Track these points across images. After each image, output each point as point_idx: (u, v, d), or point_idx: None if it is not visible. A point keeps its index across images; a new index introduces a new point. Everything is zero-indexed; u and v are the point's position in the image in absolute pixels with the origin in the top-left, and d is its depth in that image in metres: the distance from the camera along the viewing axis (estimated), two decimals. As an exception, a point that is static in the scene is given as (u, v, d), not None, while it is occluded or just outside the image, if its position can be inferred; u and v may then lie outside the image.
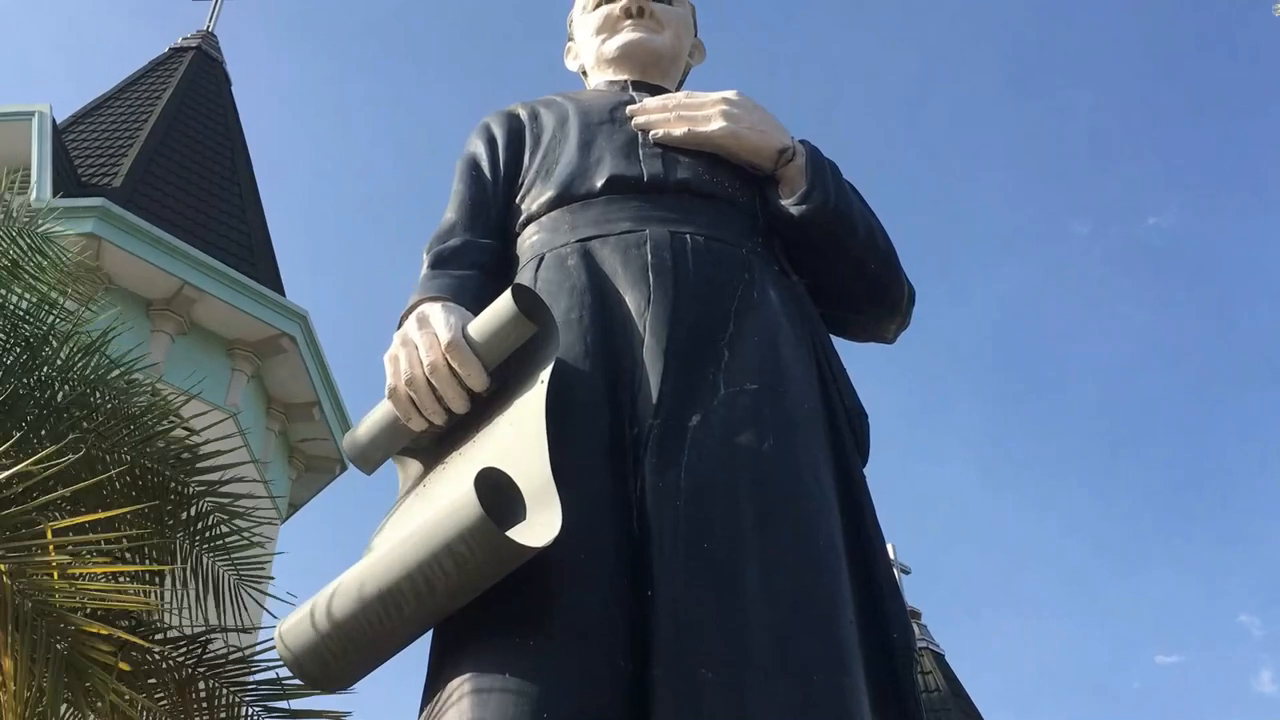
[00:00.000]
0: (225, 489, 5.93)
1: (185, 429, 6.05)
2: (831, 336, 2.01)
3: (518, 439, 1.55)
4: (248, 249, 13.27)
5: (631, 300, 1.79)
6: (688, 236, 1.87)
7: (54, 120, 11.96)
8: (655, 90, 2.29)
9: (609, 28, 2.37)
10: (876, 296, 2.06)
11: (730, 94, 2.09)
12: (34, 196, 10.78)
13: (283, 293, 13.25)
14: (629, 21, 2.36)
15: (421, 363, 1.67)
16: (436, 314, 1.73)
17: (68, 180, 11.75)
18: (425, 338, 1.69)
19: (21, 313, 5.57)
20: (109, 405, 5.49)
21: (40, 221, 6.23)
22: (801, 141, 2.08)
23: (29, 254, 5.81)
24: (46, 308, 5.72)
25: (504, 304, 1.64)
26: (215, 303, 11.55)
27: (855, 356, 2.21)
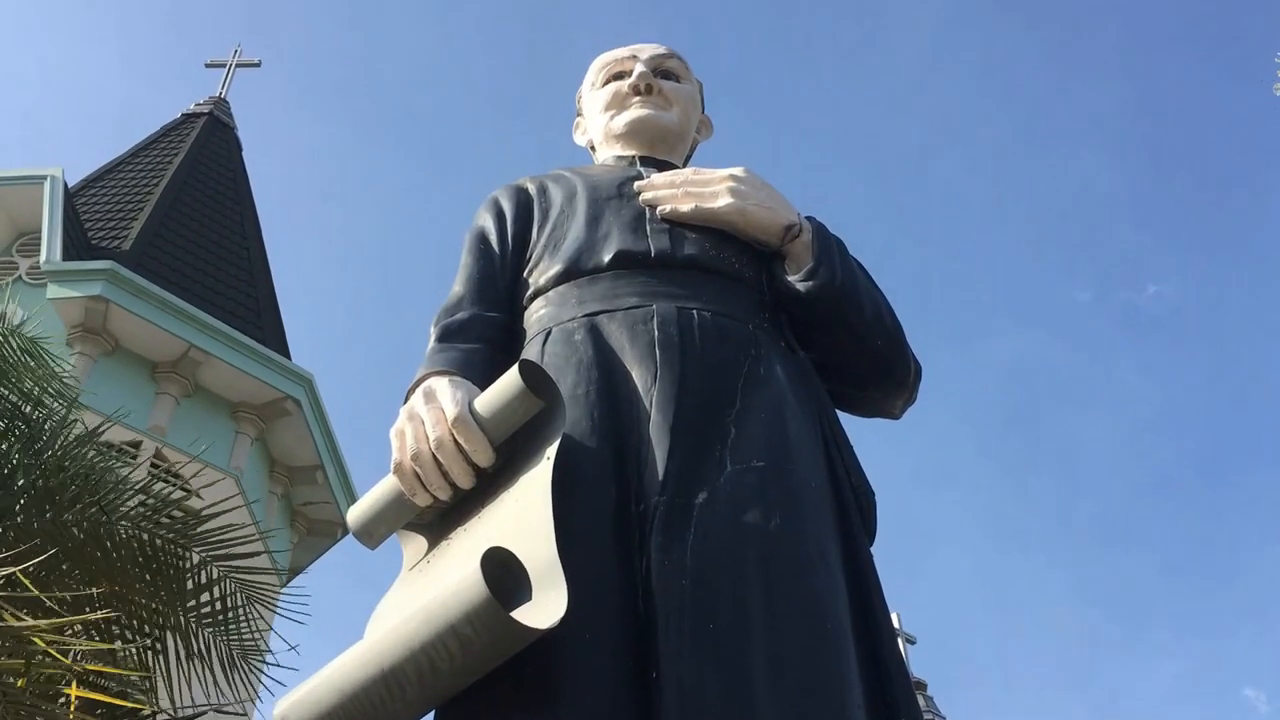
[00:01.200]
0: (230, 553, 5.88)
1: (185, 489, 6.03)
2: (838, 412, 2.01)
3: (523, 517, 1.54)
4: (254, 312, 13.35)
5: (638, 376, 1.79)
6: (694, 312, 1.88)
7: (66, 184, 12.08)
8: (663, 166, 2.31)
9: (618, 104, 2.40)
10: (883, 373, 2.06)
11: (737, 170, 2.11)
12: (43, 259, 10.87)
13: (288, 355, 13.29)
14: (638, 98, 2.39)
15: (428, 438, 1.67)
16: (443, 388, 1.73)
17: (78, 243, 11.85)
18: (432, 413, 1.69)
19: (12, 407, 5.59)
20: (96, 480, 5.46)
21: (30, 320, 6.30)
22: (808, 218, 2.10)
23: (19, 355, 5.87)
24: (33, 405, 5.75)
25: (511, 380, 1.65)
26: (221, 365, 11.58)
27: (863, 421, 2.21)
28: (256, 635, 5.99)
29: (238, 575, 5.93)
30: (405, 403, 1.79)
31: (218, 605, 5.78)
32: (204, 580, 5.78)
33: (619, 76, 2.45)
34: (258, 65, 18.09)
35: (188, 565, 5.67)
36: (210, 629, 5.74)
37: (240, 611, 5.86)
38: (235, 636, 5.85)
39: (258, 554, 6.06)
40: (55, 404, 5.89)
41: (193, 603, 5.66)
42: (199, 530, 5.87)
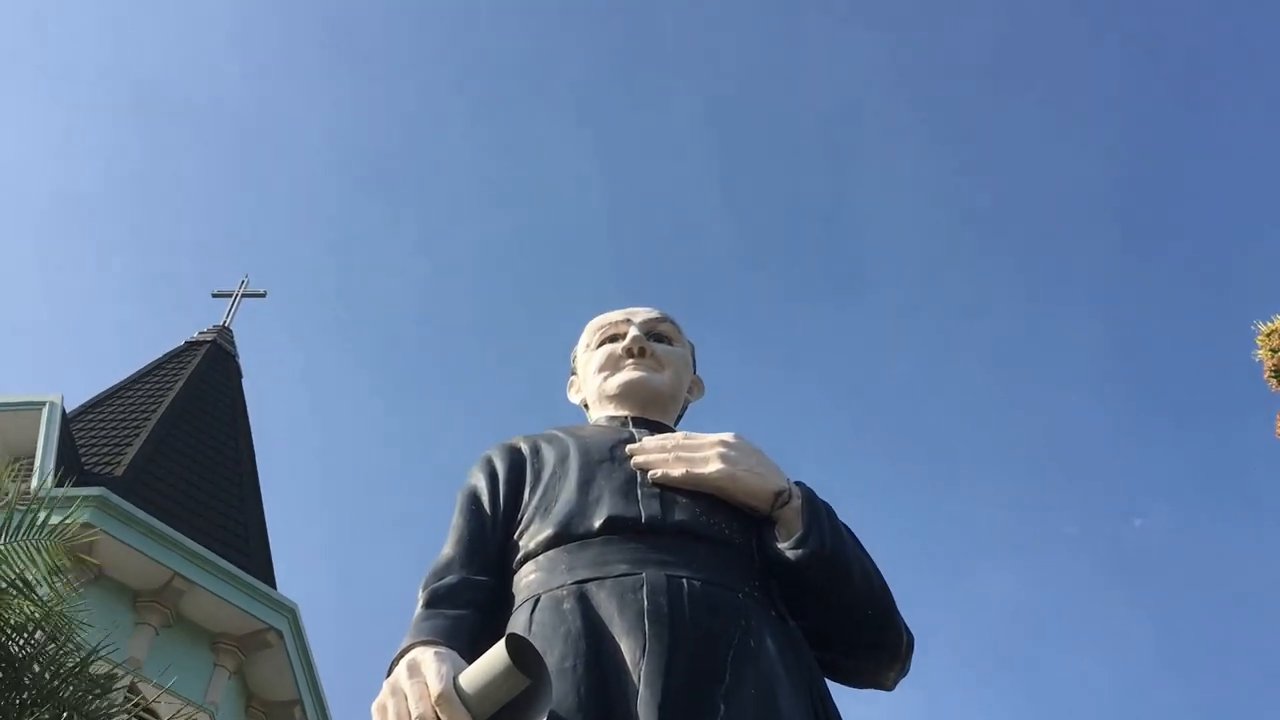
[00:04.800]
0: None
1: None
2: (830, 683, 1.97)
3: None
4: (242, 539, 13.23)
5: (627, 648, 1.76)
6: (684, 581, 1.87)
7: (64, 410, 12.20)
8: (655, 427, 2.35)
9: (611, 365, 2.47)
10: (874, 644, 2.03)
11: (728, 436, 2.15)
12: (34, 485, 10.84)
13: (274, 584, 13.08)
14: (630, 360, 2.46)
15: (410, 714, 1.63)
16: (428, 662, 1.70)
17: (72, 469, 11.85)
18: (415, 688, 1.66)
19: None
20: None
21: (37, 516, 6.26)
22: (797, 483, 2.12)
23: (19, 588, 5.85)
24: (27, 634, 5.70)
25: (497, 656, 1.62)
26: (203, 594, 11.39)
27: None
28: None
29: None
30: (389, 674, 1.76)
31: None
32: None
33: (613, 339, 2.53)
34: (263, 296, 18.57)
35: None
36: None
37: None
38: None
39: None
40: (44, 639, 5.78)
41: None
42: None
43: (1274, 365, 8.33)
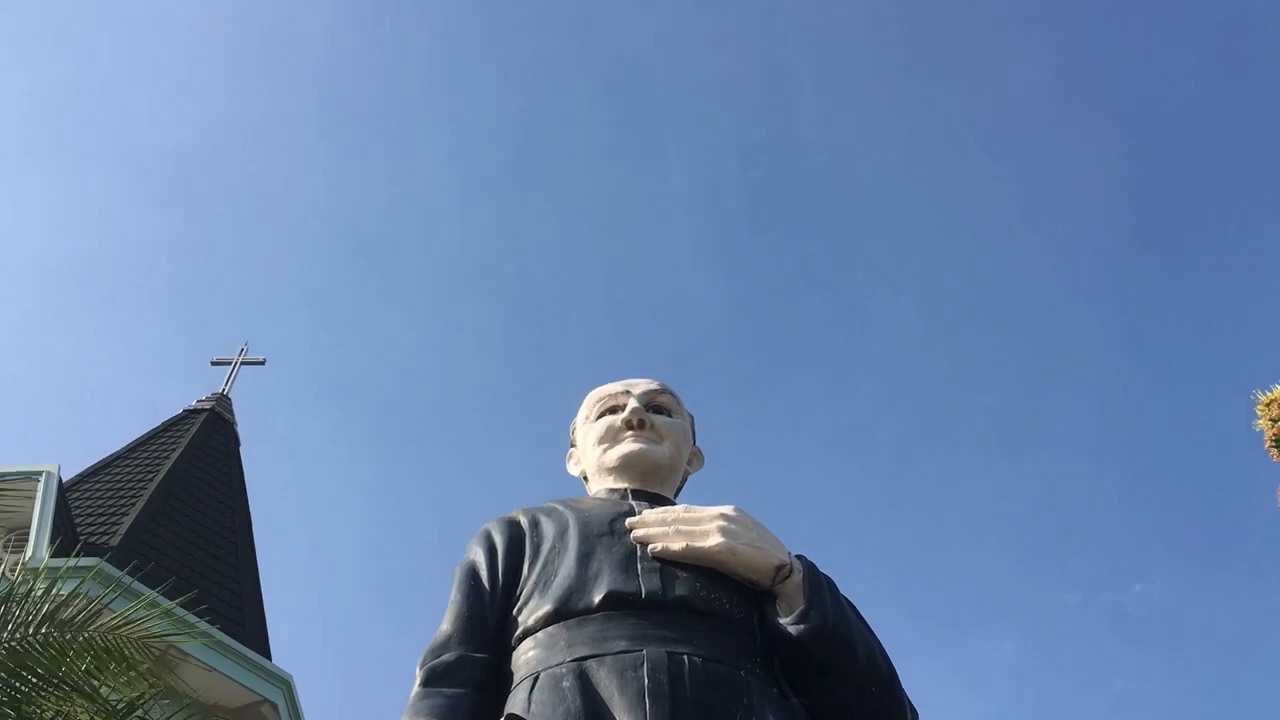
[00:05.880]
0: None
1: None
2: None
3: None
4: (238, 609, 13.10)
5: None
6: (685, 658, 1.85)
7: (60, 480, 12.14)
8: (655, 499, 2.34)
9: (611, 438, 2.46)
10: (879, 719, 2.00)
11: (728, 509, 2.13)
12: (28, 556, 10.76)
13: (269, 654, 12.92)
14: (630, 433, 2.45)
15: None
16: (425, 744, 1.68)
17: (67, 539, 11.76)
18: (414, 769, 1.64)
19: None
20: None
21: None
22: (798, 557, 2.10)
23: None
24: None
25: None
26: (198, 665, 11.22)
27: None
28: None
29: None
30: None
31: None
32: None
33: (613, 411, 2.52)
34: (262, 363, 18.59)
35: None
36: None
37: None
38: None
39: None
40: None
41: None
42: None
43: (1274, 435, 8.32)
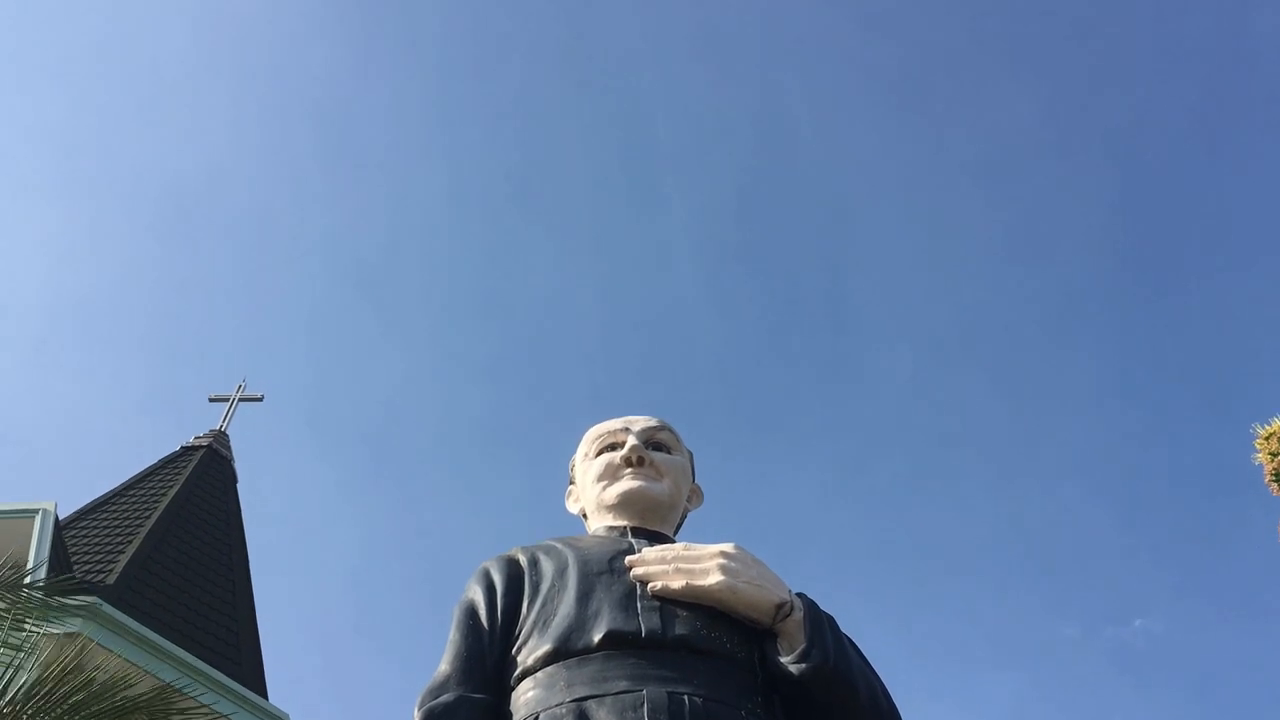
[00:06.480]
0: None
1: None
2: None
3: None
4: (234, 648, 13.00)
5: None
6: (686, 698, 1.84)
7: (57, 517, 12.09)
8: (655, 537, 2.33)
9: (610, 475, 2.46)
10: None
11: (728, 547, 2.12)
12: (25, 594, 10.70)
13: (265, 694, 12.82)
14: (629, 470, 2.45)
15: None
16: (425, 785, 1.66)
17: (64, 577, 11.70)
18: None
19: None
20: None
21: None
22: (798, 594, 2.10)
23: None
24: None
25: None
26: (193, 704, 11.13)
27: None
28: None
29: None
30: None
31: None
32: None
33: (611, 448, 2.52)
34: (260, 400, 18.57)
35: None
36: None
37: None
38: None
39: None
40: None
41: None
42: None
43: (1274, 469, 8.31)
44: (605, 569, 2.14)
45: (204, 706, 11.01)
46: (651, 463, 2.46)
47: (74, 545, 13.17)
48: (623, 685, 1.86)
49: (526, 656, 2.00)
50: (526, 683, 1.96)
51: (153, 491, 14.95)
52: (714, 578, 2.03)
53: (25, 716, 5.79)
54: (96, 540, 13.60)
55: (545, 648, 1.98)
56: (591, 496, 2.47)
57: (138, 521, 14.02)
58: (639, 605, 2.03)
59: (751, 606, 2.02)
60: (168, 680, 10.91)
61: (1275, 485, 8.41)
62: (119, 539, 13.58)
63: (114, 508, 14.57)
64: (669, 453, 2.53)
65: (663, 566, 2.09)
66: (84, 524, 14.02)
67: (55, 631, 10.43)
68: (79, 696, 6.77)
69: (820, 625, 2.02)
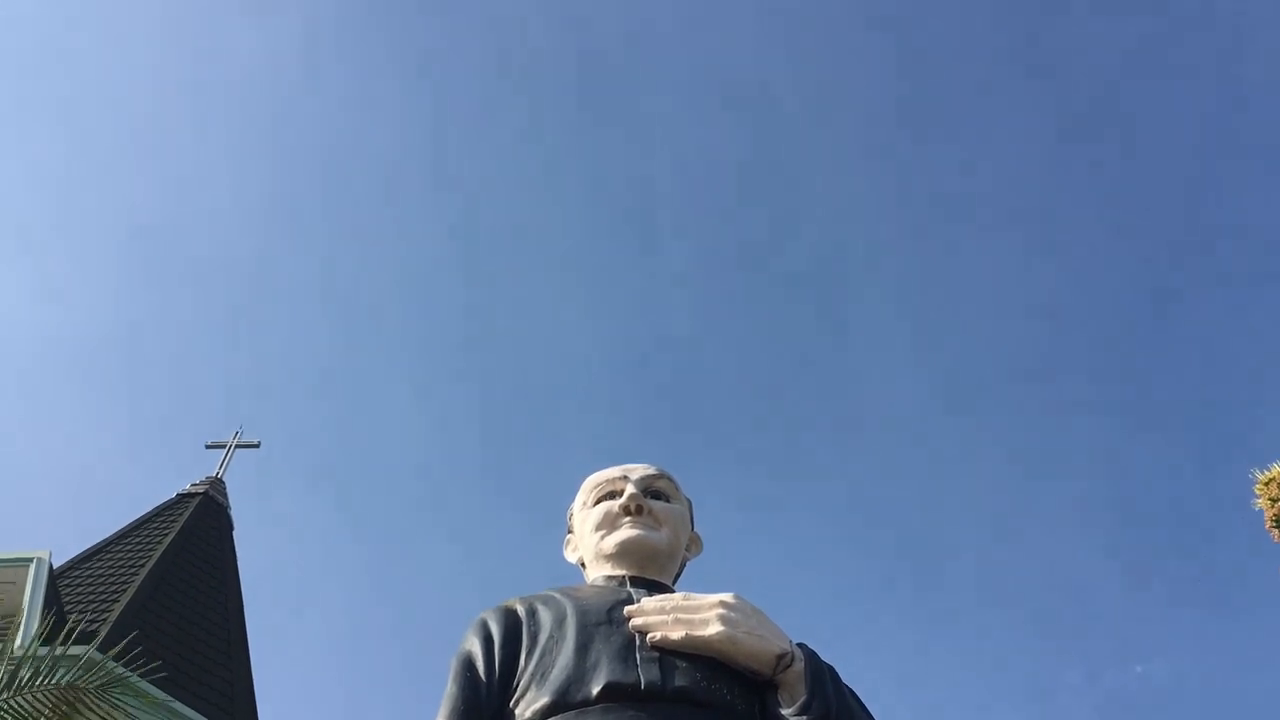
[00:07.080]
0: None
1: None
2: None
3: None
4: (229, 698, 12.86)
5: None
6: None
7: (51, 566, 12.02)
8: (654, 586, 2.32)
9: (608, 524, 2.44)
10: None
11: (728, 597, 2.11)
12: (18, 644, 10.60)
13: (259, 745, 12.68)
14: (628, 518, 2.43)
15: None
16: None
17: (58, 626, 11.60)
18: None
19: None
20: None
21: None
22: (799, 645, 2.08)
23: None
24: None
25: None
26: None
27: None
28: None
29: None
30: None
31: None
32: None
33: (610, 496, 2.51)
34: (257, 446, 18.51)
35: None
36: None
37: None
38: None
39: None
40: None
41: None
42: None
43: (1274, 514, 8.28)
44: (604, 619, 2.12)
45: (197, 758, 10.90)
46: (650, 511, 2.45)
47: (68, 593, 13.07)
48: None
49: (525, 709, 1.97)
50: None
51: (148, 540, 14.87)
52: (714, 628, 2.02)
53: None
54: (91, 589, 13.50)
55: (544, 700, 1.95)
56: (590, 545, 2.46)
57: (132, 570, 13.93)
58: (638, 656, 2.01)
59: (752, 657, 2.01)
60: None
61: (1275, 530, 8.38)
62: (114, 588, 13.48)
63: (109, 555, 14.48)
64: (668, 501, 2.52)
65: (662, 617, 2.07)
66: (78, 572, 13.93)
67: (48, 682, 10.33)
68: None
69: (821, 676, 2.00)
